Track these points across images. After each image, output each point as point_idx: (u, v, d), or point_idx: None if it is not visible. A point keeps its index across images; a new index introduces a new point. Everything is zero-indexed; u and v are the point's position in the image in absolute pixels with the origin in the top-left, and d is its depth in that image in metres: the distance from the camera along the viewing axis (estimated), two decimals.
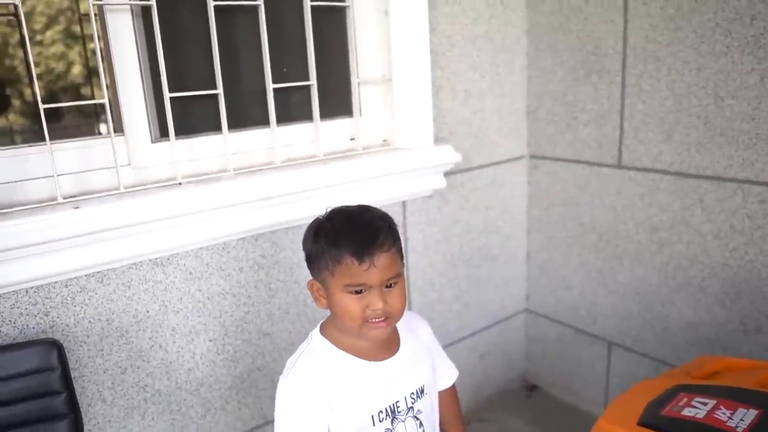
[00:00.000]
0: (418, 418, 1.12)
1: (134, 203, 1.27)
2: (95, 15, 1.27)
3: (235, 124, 1.51)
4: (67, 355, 1.19)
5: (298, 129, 1.65)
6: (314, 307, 1.49)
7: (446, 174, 1.87)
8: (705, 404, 1.07)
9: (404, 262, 1.07)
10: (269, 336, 1.60)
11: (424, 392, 1.14)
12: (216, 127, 1.48)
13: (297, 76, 1.61)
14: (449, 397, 1.27)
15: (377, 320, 1.01)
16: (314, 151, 1.64)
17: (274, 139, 1.55)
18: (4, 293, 1.19)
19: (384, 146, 1.81)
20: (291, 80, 1.59)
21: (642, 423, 1.07)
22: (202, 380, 1.50)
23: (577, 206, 2.03)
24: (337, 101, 1.74)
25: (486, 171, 2.04)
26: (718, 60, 1.57)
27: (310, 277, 1.08)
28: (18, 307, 1.21)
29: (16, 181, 1.26)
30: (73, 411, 1.16)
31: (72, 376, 1.19)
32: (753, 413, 1.03)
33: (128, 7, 1.33)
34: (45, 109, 1.21)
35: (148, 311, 1.39)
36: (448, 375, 1.27)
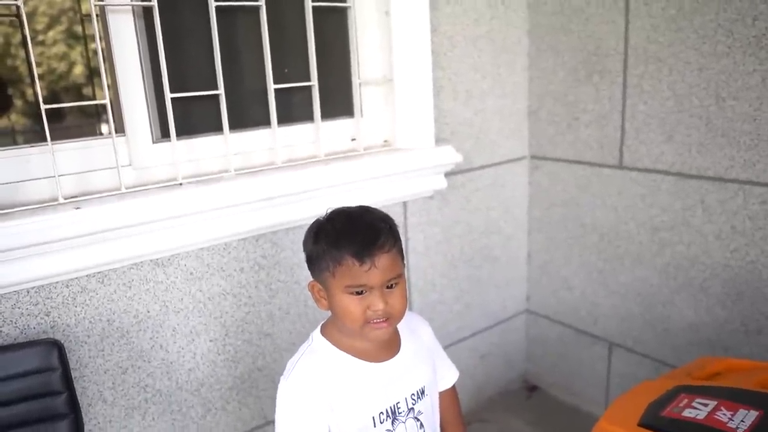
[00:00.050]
0: (418, 419, 1.12)
1: (135, 204, 1.27)
2: (97, 15, 1.27)
3: (236, 124, 1.51)
4: (67, 355, 1.19)
5: (299, 129, 1.65)
6: (315, 307, 1.48)
7: (447, 174, 1.87)
8: (706, 405, 1.07)
9: (405, 262, 1.07)
10: (270, 336, 1.60)
11: (425, 393, 1.13)
12: (217, 128, 1.48)
13: (298, 77, 1.61)
14: (450, 397, 1.27)
15: (378, 321, 1.01)
16: (315, 152, 1.64)
17: (275, 140, 1.55)
18: (6, 293, 1.19)
19: (385, 147, 1.81)
20: (292, 81, 1.60)
21: (642, 424, 1.07)
22: (203, 380, 1.51)
23: (578, 207, 2.02)
24: (338, 102, 1.74)
25: (487, 171, 2.04)
26: (719, 61, 1.56)
27: (311, 278, 1.08)
28: (19, 307, 1.22)
29: (17, 182, 1.26)
30: (74, 411, 1.16)
31: (73, 376, 1.19)
32: (754, 414, 1.03)
33: (130, 7, 1.33)
34: (46, 110, 1.21)
35: (148, 311, 1.39)
36: (448, 376, 1.26)
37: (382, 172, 1.67)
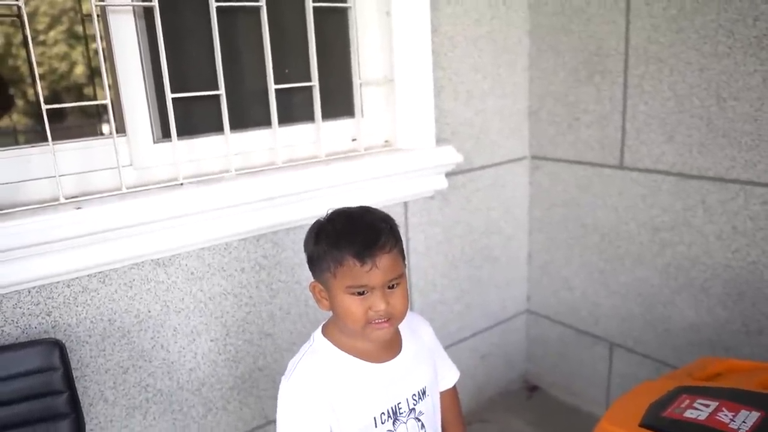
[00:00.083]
0: (419, 420, 1.12)
1: (136, 204, 1.28)
2: (98, 15, 1.27)
3: (237, 124, 1.51)
4: (69, 354, 1.19)
5: (300, 130, 1.65)
6: (316, 307, 1.49)
7: (448, 175, 1.87)
8: (707, 406, 1.07)
9: (406, 262, 1.07)
10: (271, 336, 1.60)
11: (426, 393, 1.13)
12: (218, 128, 1.48)
13: (299, 77, 1.61)
14: (450, 397, 1.27)
15: (380, 321, 1.01)
16: (316, 152, 1.64)
17: (275, 140, 1.55)
18: (7, 293, 1.19)
19: (386, 147, 1.81)
20: (293, 81, 1.59)
21: (644, 424, 1.07)
22: (204, 380, 1.51)
23: (578, 207, 2.02)
24: (339, 102, 1.74)
25: (488, 172, 2.04)
26: (720, 61, 1.56)
27: (312, 279, 1.08)
28: (20, 307, 1.22)
29: (18, 182, 1.26)
30: (75, 411, 1.16)
31: (74, 376, 1.19)
32: (755, 415, 1.03)
33: (130, 7, 1.33)
34: (47, 110, 1.21)
35: (149, 311, 1.39)
36: (449, 376, 1.26)
37: (383, 173, 1.67)
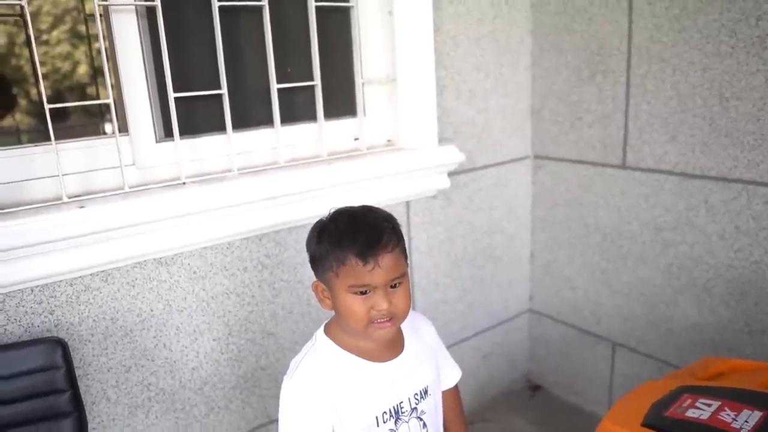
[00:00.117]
0: (421, 419, 1.12)
1: (138, 203, 1.28)
2: (100, 15, 1.27)
3: (239, 124, 1.51)
4: (71, 353, 1.19)
5: (302, 129, 1.65)
6: (318, 306, 1.49)
7: (450, 174, 1.87)
8: (709, 405, 1.07)
9: (408, 262, 1.07)
10: (273, 336, 1.60)
11: (428, 393, 1.14)
12: (220, 127, 1.48)
13: (301, 76, 1.61)
14: (452, 397, 1.27)
15: (382, 321, 1.01)
16: (318, 151, 1.64)
17: (278, 139, 1.55)
18: (10, 292, 1.20)
19: (388, 146, 1.81)
20: (295, 80, 1.60)
21: (646, 424, 1.07)
22: (206, 379, 1.51)
23: (581, 207, 2.02)
24: (341, 101, 1.74)
25: (490, 171, 2.04)
26: (723, 61, 1.56)
27: (314, 278, 1.08)
28: (23, 306, 1.22)
29: (21, 181, 1.27)
30: (78, 409, 1.16)
31: (76, 375, 1.19)
32: (758, 415, 1.03)
33: (133, 7, 1.33)
34: (50, 109, 1.21)
35: (152, 310, 1.39)
36: (451, 375, 1.26)
37: (385, 172, 1.67)
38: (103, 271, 1.30)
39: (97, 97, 2.18)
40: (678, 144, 1.70)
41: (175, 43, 1.39)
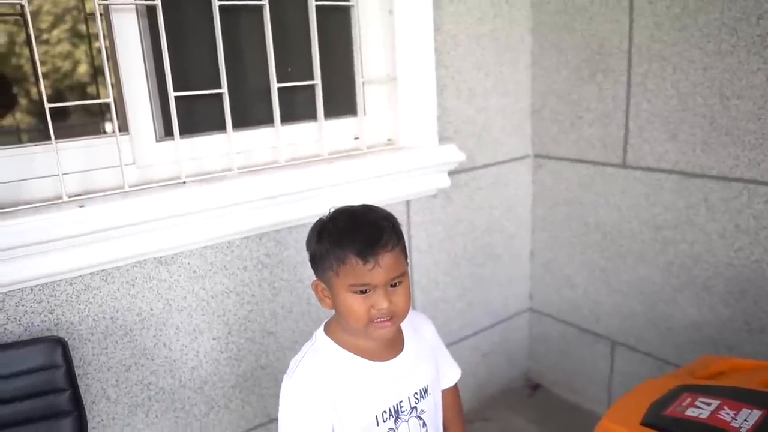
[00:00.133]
0: (421, 418, 1.12)
1: (138, 202, 1.28)
2: (101, 14, 1.27)
3: (240, 123, 1.51)
4: (71, 352, 1.19)
5: (303, 128, 1.65)
6: (318, 306, 1.49)
7: (450, 173, 1.87)
8: (708, 404, 1.07)
9: (408, 261, 1.07)
10: (273, 335, 1.60)
11: (428, 392, 1.14)
12: (220, 126, 1.48)
13: (301, 76, 1.61)
14: (451, 396, 1.27)
15: (382, 320, 1.01)
16: (318, 150, 1.64)
17: (278, 138, 1.55)
18: (10, 291, 1.20)
19: (388, 145, 1.81)
20: (295, 79, 1.59)
21: (645, 423, 1.07)
22: (206, 378, 1.51)
23: (581, 205, 2.02)
24: (342, 100, 1.74)
25: (490, 170, 2.04)
26: (723, 59, 1.56)
27: (314, 277, 1.08)
28: (23, 305, 1.22)
29: (21, 180, 1.27)
30: (78, 408, 1.16)
31: (76, 374, 1.19)
32: (757, 414, 1.03)
33: (133, 6, 1.33)
34: (50, 108, 1.21)
35: (152, 309, 1.39)
36: (450, 374, 1.26)
37: (385, 171, 1.67)
38: (103, 271, 1.30)
39: (98, 97, 2.18)
40: (678, 143, 1.70)
41: (175, 42, 1.39)
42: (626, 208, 1.88)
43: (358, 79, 1.71)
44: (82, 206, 1.23)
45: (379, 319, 1.01)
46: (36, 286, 1.23)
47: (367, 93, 1.75)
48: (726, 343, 1.70)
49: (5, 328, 1.21)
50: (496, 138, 2.02)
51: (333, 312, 1.08)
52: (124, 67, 1.35)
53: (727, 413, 1.04)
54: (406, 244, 1.10)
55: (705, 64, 1.60)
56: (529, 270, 2.27)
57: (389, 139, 1.82)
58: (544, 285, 2.24)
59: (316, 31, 1.57)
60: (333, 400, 1.02)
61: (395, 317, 1.02)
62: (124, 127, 1.38)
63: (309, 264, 1.08)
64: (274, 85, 1.52)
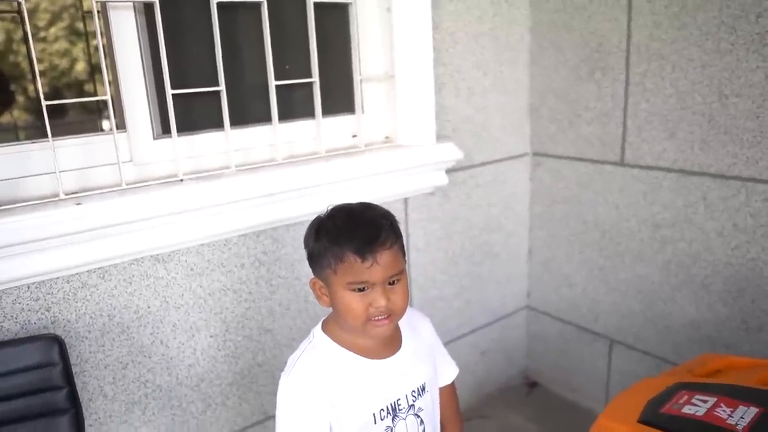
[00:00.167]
0: (419, 416, 1.12)
1: (136, 200, 1.28)
2: (98, 12, 1.27)
3: (237, 120, 1.51)
4: (68, 350, 1.19)
5: (300, 126, 1.65)
6: (315, 303, 1.49)
7: (448, 171, 1.87)
8: (705, 402, 1.07)
9: (406, 259, 1.07)
10: (270, 332, 1.60)
11: (426, 390, 1.14)
12: (218, 124, 1.48)
13: (299, 73, 1.61)
14: (449, 394, 1.27)
15: (380, 318, 1.00)
16: (316, 148, 1.64)
17: (276, 136, 1.55)
18: (6, 289, 1.20)
19: (386, 143, 1.81)
20: (293, 77, 1.59)
21: (642, 420, 1.07)
22: (203, 376, 1.51)
23: (579, 204, 2.02)
24: (340, 98, 1.73)
25: (488, 168, 2.03)
26: (722, 58, 1.56)
27: (312, 275, 1.08)
28: (19, 303, 1.22)
29: (18, 178, 1.26)
30: (74, 406, 1.16)
31: (73, 372, 1.19)
32: (753, 411, 1.03)
33: (131, 4, 1.33)
34: (48, 106, 1.21)
35: (149, 307, 1.39)
36: (448, 372, 1.26)
37: (383, 169, 1.67)
38: (100, 268, 1.30)
39: (95, 94, 2.17)
40: (677, 141, 1.70)
41: (173, 40, 1.39)
42: (624, 207, 1.88)
43: (356, 77, 1.70)
44: (79, 204, 1.22)
45: (376, 317, 1.00)
46: (33, 283, 1.22)
47: (365, 91, 1.74)
48: (724, 342, 1.71)
49: (2, 326, 1.21)
50: (494, 136, 2.02)
51: (331, 310, 1.08)
52: (122, 64, 1.35)
53: (724, 410, 1.04)
54: (404, 242, 1.10)
55: (704, 62, 1.60)
56: (527, 268, 2.27)
57: (387, 137, 1.82)
58: (542, 283, 2.24)
59: (314, 29, 1.57)
60: (331, 398, 1.02)
61: (393, 315, 1.02)
62: (121, 125, 1.38)
63: (306, 261, 1.08)
64: (272, 83, 1.52)
